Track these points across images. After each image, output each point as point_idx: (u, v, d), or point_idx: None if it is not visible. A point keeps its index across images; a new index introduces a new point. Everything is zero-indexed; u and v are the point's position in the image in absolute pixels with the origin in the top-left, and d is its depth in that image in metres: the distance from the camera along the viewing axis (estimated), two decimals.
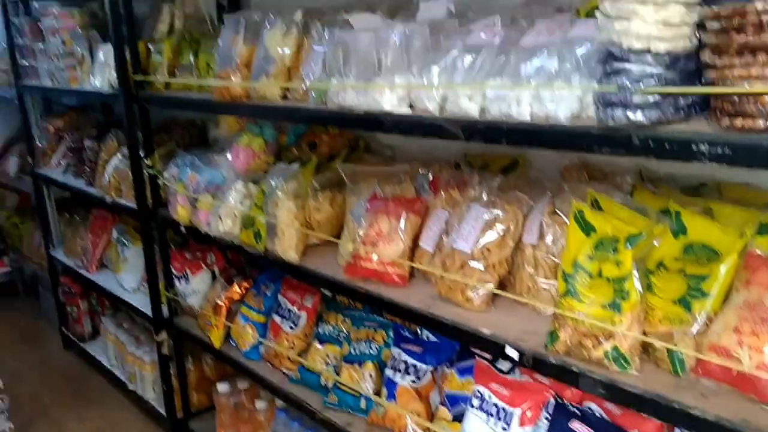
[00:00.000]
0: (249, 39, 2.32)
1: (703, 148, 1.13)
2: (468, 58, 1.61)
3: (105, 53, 3.07)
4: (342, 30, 1.94)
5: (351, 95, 1.84)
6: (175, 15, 3.18)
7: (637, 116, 1.21)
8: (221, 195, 2.53)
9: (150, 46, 2.95)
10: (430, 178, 2.16)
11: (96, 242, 3.79)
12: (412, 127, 1.70)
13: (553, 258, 1.69)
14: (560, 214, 1.69)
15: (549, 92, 1.40)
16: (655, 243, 1.46)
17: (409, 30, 1.77)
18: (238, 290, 2.78)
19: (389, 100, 1.73)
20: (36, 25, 3.58)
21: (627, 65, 1.21)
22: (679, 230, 1.45)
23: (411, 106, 1.75)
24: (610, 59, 1.24)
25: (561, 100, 1.39)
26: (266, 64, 2.20)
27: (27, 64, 3.81)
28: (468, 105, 1.57)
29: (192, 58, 2.75)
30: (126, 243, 3.53)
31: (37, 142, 4.13)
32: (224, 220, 2.48)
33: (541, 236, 1.72)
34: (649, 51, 1.19)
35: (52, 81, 3.54)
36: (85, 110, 4.12)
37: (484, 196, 1.83)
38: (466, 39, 1.68)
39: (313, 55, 2.07)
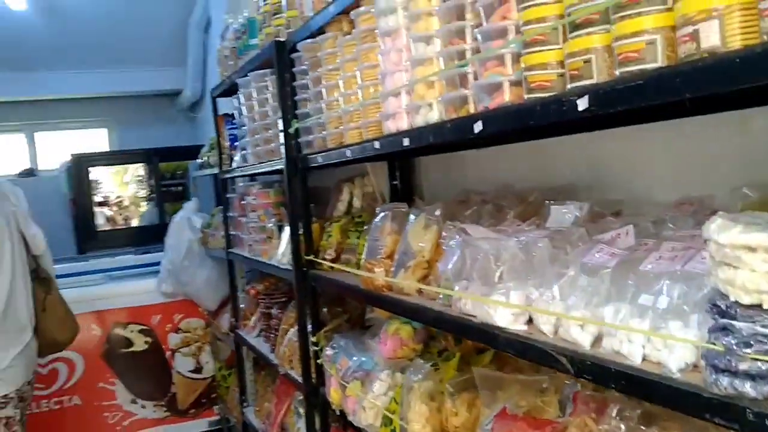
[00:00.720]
0: (395, 230, 2.31)
1: None
2: (583, 280, 1.43)
3: (288, 231, 3.25)
4: (467, 236, 1.85)
5: (470, 303, 1.72)
6: (354, 194, 3.33)
7: (746, 388, 0.94)
8: (369, 383, 2.46)
9: (324, 226, 3.08)
10: (579, 387, 1.91)
11: (279, 407, 3.87)
12: (522, 350, 1.51)
13: None
14: None
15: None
16: None
17: (530, 241, 1.63)
18: None
19: (503, 315, 1.58)
20: (241, 201, 3.94)
21: (734, 323, 0.96)
22: None
23: (531, 320, 1.58)
24: (717, 312, 1.00)
25: (674, 345, 1.15)
26: (406, 257, 2.16)
27: (235, 234, 4.19)
28: (579, 334, 1.37)
29: (356, 240, 2.80)
30: (300, 414, 3.56)
31: (241, 304, 4.44)
32: (368, 411, 2.40)
33: None
34: (761, 307, 0.94)
35: (250, 252, 3.82)
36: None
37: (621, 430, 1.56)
38: (586, 255, 1.49)
39: (446, 254, 1.99)
